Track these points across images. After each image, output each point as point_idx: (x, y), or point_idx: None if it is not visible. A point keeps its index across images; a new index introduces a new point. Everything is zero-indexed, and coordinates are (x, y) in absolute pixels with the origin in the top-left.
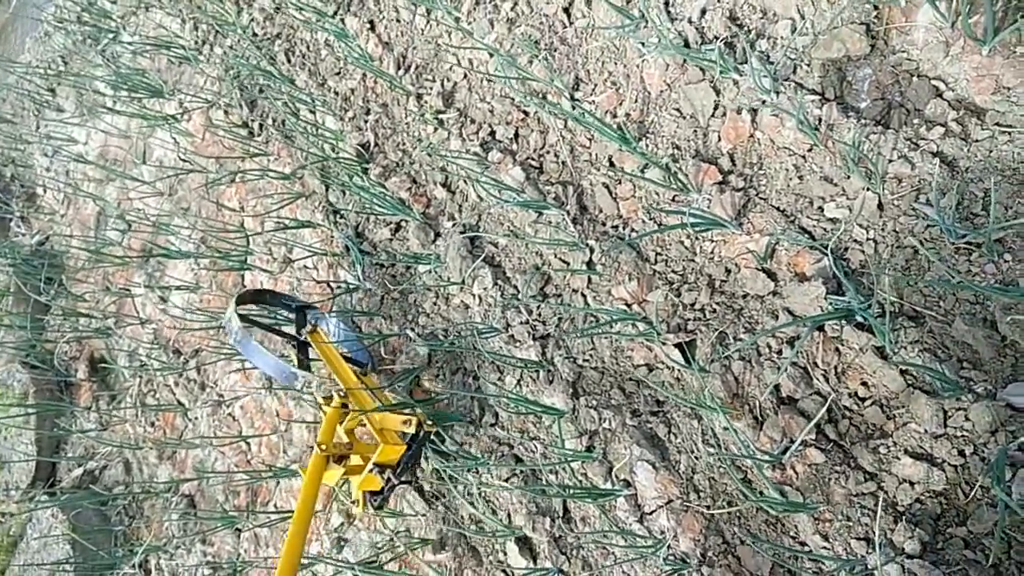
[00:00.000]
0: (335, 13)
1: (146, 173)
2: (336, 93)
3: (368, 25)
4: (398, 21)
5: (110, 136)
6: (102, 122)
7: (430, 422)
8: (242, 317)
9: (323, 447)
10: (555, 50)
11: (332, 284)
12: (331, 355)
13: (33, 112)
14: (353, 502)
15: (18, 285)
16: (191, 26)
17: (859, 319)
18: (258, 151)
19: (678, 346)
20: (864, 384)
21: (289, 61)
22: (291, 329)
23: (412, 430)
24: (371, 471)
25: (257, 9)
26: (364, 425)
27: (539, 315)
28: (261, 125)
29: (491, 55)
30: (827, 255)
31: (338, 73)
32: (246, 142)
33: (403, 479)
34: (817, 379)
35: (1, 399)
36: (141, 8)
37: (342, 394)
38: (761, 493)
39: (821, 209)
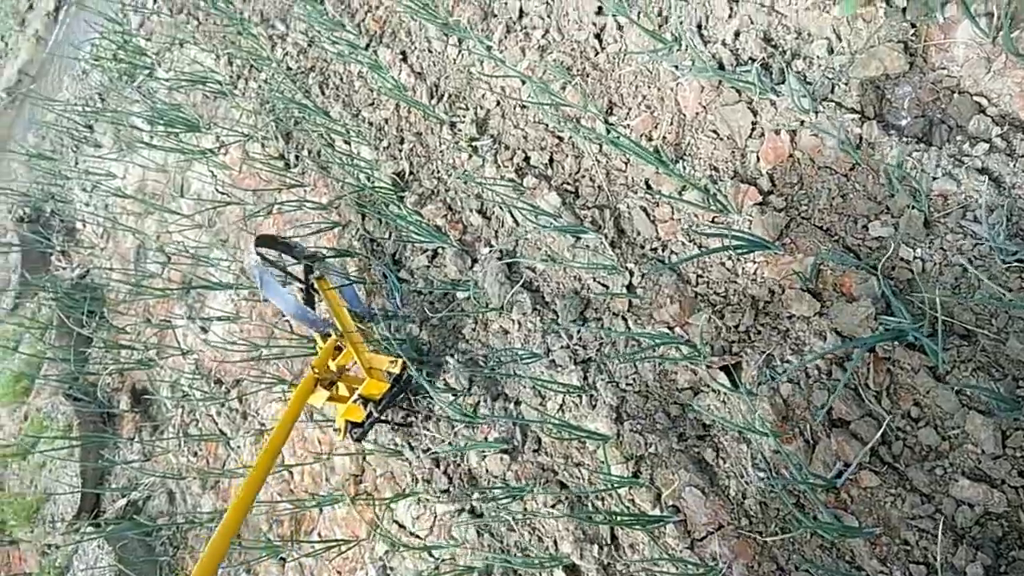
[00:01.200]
0: (368, 45)
1: (184, 206)
2: (370, 123)
3: (401, 56)
4: (430, 51)
5: (148, 170)
6: (140, 157)
7: (414, 367)
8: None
9: (316, 370)
10: (588, 75)
11: (373, 312)
12: (334, 300)
13: (72, 148)
14: (336, 430)
15: (61, 318)
16: (225, 61)
17: (910, 339)
18: (295, 182)
19: (724, 369)
20: (917, 404)
21: (323, 93)
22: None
23: (397, 370)
24: (355, 402)
25: (291, 43)
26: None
27: (580, 339)
28: (297, 157)
29: (523, 82)
30: (875, 275)
31: (372, 104)
32: (283, 174)
33: (383, 417)
34: (869, 400)
35: (46, 432)
36: (176, 44)
37: (339, 335)
38: (815, 517)
39: (866, 228)
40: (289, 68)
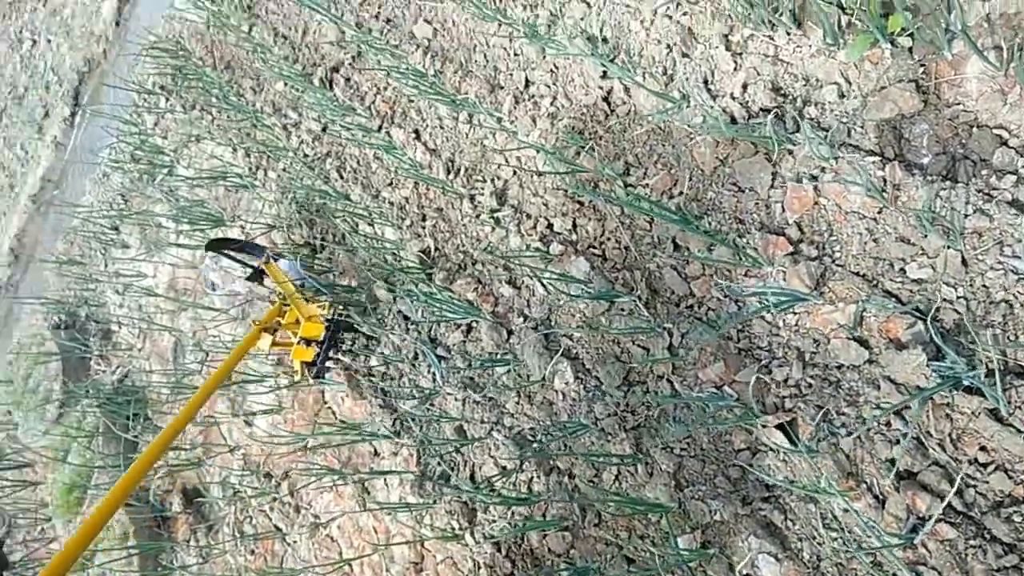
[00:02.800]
0: (380, 127)
1: (217, 300)
2: (391, 203)
3: (414, 134)
4: (442, 128)
5: (177, 268)
6: (168, 255)
7: (342, 308)
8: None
9: (256, 323)
10: (600, 139)
11: (414, 392)
12: (278, 275)
13: (100, 251)
14: (294, 372)
15: (106, 424)
16: (243, 153)
17: (966, 383)
18: (323, 268)
19: (779, 426)
20: (983, 449)
21: (342, 177)
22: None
23: (328, 313)
24: (298, 343)
25: (305, 131)
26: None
27: (627, 405)
28: (323, 242)
29: (537, 151)
30: (922, 319)
31: (391, 184)
32: (310, 260)
33: (329, 354)
34: (933, 448)
35: (102, 542)
36: (192, 140)
37: (283, 299)
38: None
39: (903, 271)
40: (306, 155)
